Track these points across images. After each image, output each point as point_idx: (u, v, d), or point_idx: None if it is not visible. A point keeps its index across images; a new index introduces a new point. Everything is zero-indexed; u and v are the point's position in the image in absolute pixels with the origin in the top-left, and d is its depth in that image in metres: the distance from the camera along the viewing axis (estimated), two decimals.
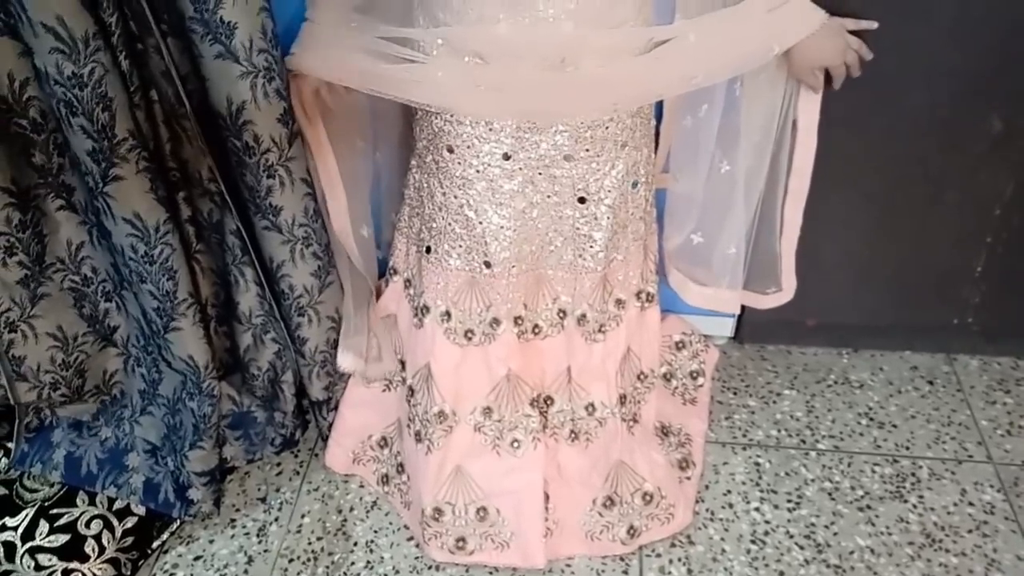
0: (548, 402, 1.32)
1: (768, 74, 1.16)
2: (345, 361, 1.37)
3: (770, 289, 1.41)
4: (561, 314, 1.28)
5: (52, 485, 1.36)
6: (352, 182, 1.25)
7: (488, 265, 1.19)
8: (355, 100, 1.21)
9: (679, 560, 1.31)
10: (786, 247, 1.34)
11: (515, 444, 1.28)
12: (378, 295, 1.40)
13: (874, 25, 1.12)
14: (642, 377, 1.38)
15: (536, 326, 1.28)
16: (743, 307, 1.60)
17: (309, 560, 1.34)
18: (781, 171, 1.27)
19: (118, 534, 1.31)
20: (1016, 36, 1.28)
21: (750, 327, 1.67)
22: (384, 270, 1.43)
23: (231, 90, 1.07)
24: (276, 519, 1.40)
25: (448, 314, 1.23)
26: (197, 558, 1.35)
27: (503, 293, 1.20)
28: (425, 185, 1.21)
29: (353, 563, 1.33)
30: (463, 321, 1.23)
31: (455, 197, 1.16)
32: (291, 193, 1.18)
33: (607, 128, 1.12)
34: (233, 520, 1.40)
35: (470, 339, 1.24)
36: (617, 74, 1.06)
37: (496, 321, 1.23)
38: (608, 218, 1.20)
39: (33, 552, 1.27)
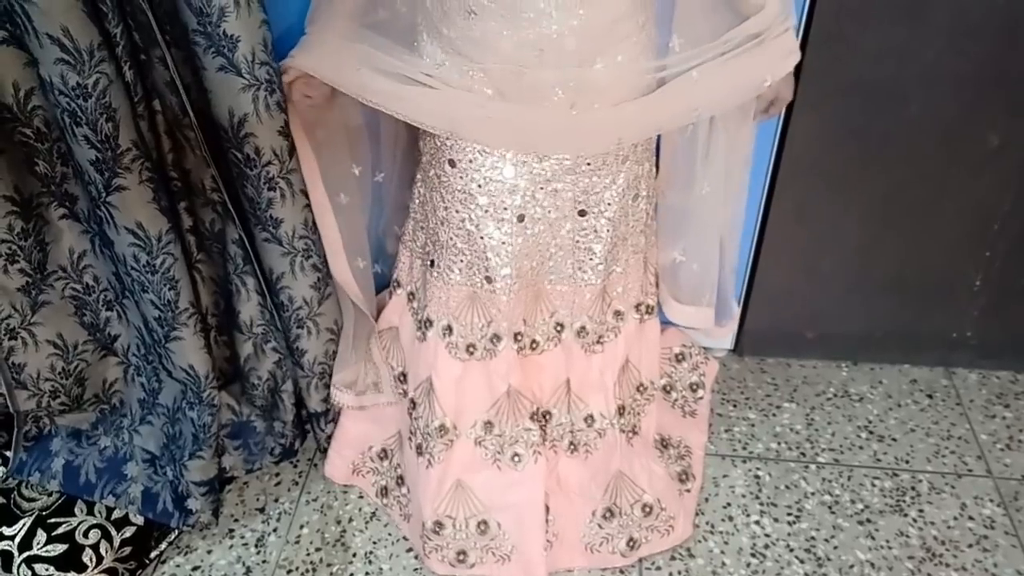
0: (547, 416, 1.32)
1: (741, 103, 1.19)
2: (339, 397, 1.38)
3: (725, 321, 1.43)
4: (558, 327, 1.28)
5: (50, 494, 1.35)
6: (346, 215, 1.26)
7: (489, 280, 1.19)
8: (347, 119, 1.22)
9: (679, 573, 1.31)
10: (729, 275, 1.38)
11: (516, 458, 1.28)
12: (381, 308, 1.41)
13: None
14: (642, 389, 1.38)
15: (534, 341, 1.28)
16: (743, 319, 1.61)
17: (308, 571, 1.33)
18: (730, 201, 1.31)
19: (116, 544, 1.31)
20: (1013, 48, 1.29)
21: (750, 340, 1.67)
22: (384, 283, 1.43)
23: (233, 102, 1.08)
24: (275, 529, 1.40)
25: (450, 328, 1.23)
26: (195, 568, 1.34)
27: (504, 309, 1.20)
28: (428, 199, 1.22)
29: (352, 574, 1.32)
30: (464, 336, 1.23)
31: (456, 211, 1.16)
32: (291, 205, 1.18)
33: None
34: (231, 530, 1.40)
35: (472, 354, 1.24)
36: (622, 114, 1.08)
37: (497, 337, 1.23)
38: (608, 231, 1.20)
39: (30, 562, 1.26)
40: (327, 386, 1.39)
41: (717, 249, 1.35)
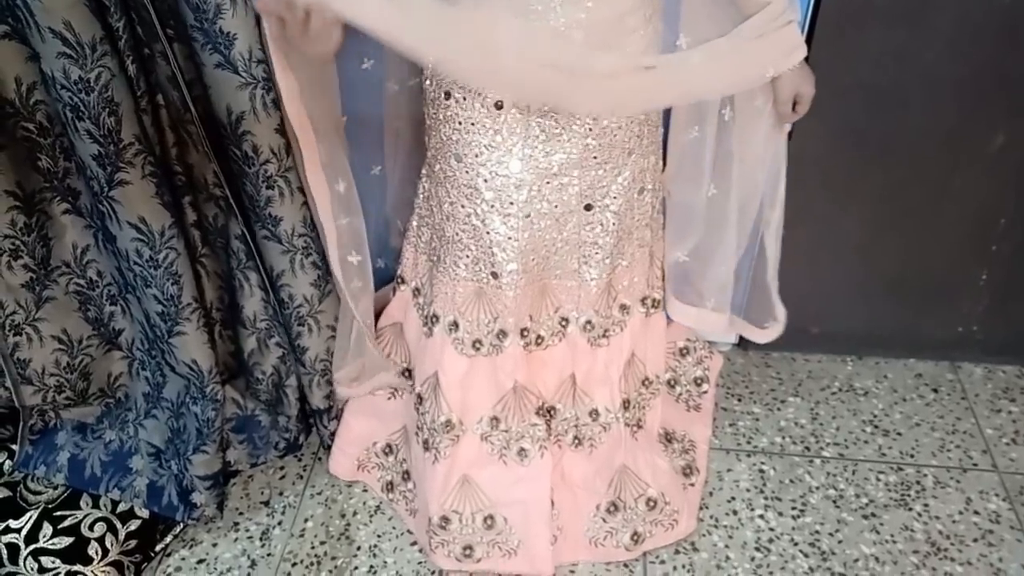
0: (552, 412, 1.32)
1: (758, 102, 1.18)
2: (343, 391, 1.38)
3: (767, 322, 1.42)
4: (563, 322, 1.27)
5: (56, 487, 1.36)
6: (343, 204, 1.22)
7: (495, 276, 1.18)
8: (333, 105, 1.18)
9: (683, 567, 1.31)
10: (771, 278, 1.35)
11: (522, 454, 1.28)
12: (385, 303, 1.40)
13: None
14: (647, 383, 1.38)
15: (539, 337, 1.28)
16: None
17: (312, 564, 1.33)
18: (766, 202, 1.29)
19: (121, 537, 1.31)
20: (1016, 47, 1.28)
21: None
22: (388, 278, 1.43)
23: (231, 100, 1.07)
24: (279, 523, 1.40)
25: (456, 324, 1.23)
26: (200, 561, 1.35)
27: (509, 305, 1.20)
28: (434, 194, 1.21)
29: (356, 567, 1.33)
30: (471, 332, 1.23)
31: (462, 207, 1.16)
32: (290, 203, 1.18)
33: (615, 136, 1.12)
34: (236, 524, 1.40)
35: (478, 349, 1.23)
36: (621, 84, 1.06)
37: (503, 333, 1.22)
38: (614, 224, 1.20)
39: (36, 554, 1.27)
40: (329, 383, 1.39)
41: (727, 253, 1.33)
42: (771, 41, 1.08)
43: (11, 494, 1.35)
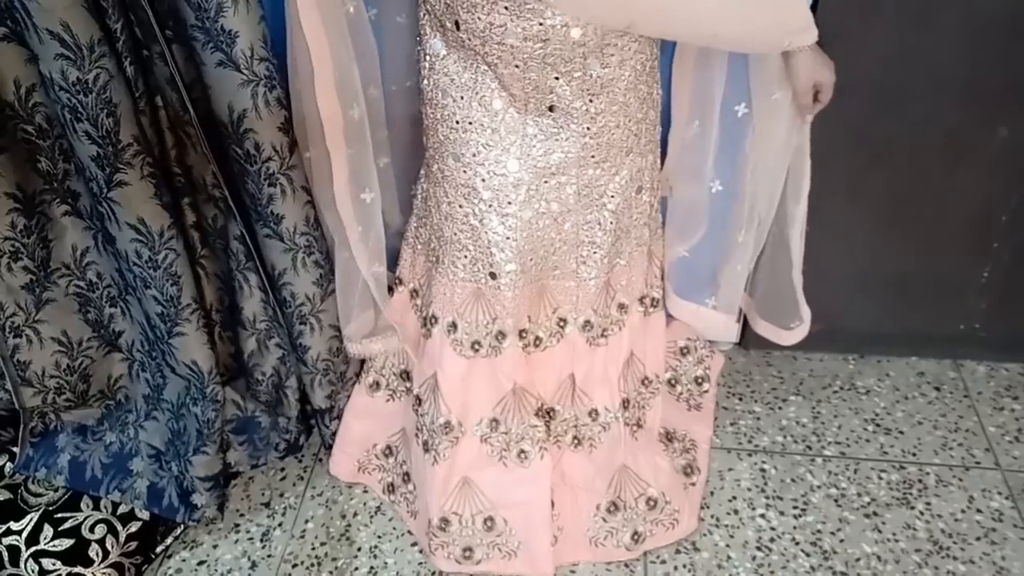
0: (552, 413, 1.32)
1: (776, 96, 1.17)
2: (355, 349, 1.32)
3: (793, 323, 1.41)
4: (561, 323, 1.27)
5: (57, 489, 1.36)
6: (357, 133, 1.16)
7: (493, 276, 1.18)
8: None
9: (684, 567, 1.31)
10: (796, 276, 1.35)
11: (522, 455, 1.28)
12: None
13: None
14: (647, 382, 1.38)
15: (537, 338, 1.27)
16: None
17: (313, 565, 1.33)
18: (790, 198, 1.28)
19: (122, 539, 1.31)
20: (1019, 44, 1.28)
21: (756, 333, 1.66)
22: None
23: (232, 98, 1.07)
24: (280, 524, 1.40)
25: (454, 325, 1.23)
26: (201, 563, 1.35)
27: (508, 306, 1.20)
28: (432, 194, 1.21)
29: (357, 568, 1.32)
30: (469, 333, 1.22)
31: (460, 207, 1.15)
32: (292, 201, 1.18)
33: (613, 135, 1.12)
34: (237, 525, 1.40)
35: (477, 351, 1.23)
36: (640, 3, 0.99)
37: (502, 334, 1.22)
38: (612, 223, 1.20)
39: (37, 556, 1.27)
40: (331, 383, 1.39)
41: (745, 251, 1.33)
42: (782, 13, 1.05)
43: (12, 496, 1.35)
